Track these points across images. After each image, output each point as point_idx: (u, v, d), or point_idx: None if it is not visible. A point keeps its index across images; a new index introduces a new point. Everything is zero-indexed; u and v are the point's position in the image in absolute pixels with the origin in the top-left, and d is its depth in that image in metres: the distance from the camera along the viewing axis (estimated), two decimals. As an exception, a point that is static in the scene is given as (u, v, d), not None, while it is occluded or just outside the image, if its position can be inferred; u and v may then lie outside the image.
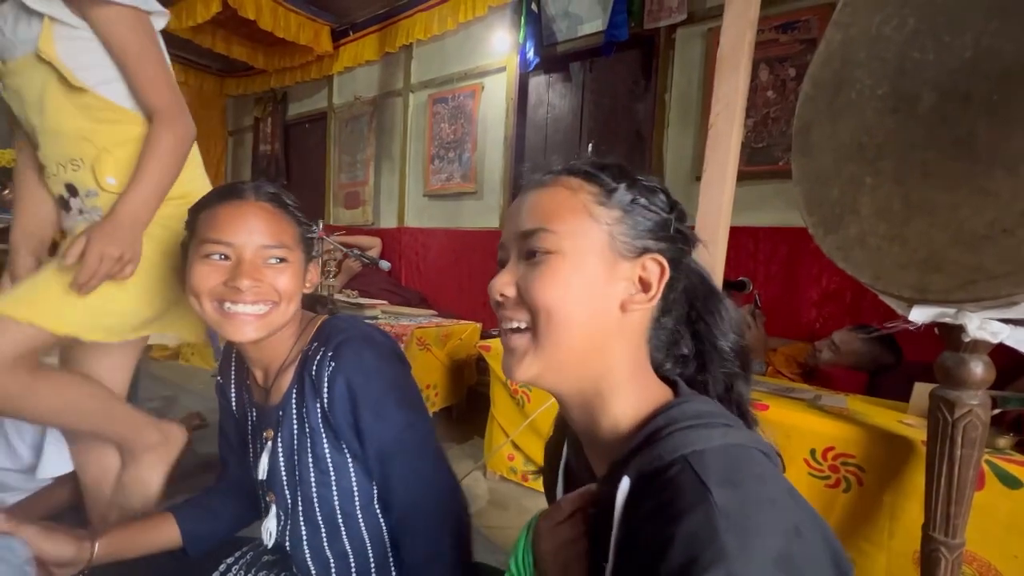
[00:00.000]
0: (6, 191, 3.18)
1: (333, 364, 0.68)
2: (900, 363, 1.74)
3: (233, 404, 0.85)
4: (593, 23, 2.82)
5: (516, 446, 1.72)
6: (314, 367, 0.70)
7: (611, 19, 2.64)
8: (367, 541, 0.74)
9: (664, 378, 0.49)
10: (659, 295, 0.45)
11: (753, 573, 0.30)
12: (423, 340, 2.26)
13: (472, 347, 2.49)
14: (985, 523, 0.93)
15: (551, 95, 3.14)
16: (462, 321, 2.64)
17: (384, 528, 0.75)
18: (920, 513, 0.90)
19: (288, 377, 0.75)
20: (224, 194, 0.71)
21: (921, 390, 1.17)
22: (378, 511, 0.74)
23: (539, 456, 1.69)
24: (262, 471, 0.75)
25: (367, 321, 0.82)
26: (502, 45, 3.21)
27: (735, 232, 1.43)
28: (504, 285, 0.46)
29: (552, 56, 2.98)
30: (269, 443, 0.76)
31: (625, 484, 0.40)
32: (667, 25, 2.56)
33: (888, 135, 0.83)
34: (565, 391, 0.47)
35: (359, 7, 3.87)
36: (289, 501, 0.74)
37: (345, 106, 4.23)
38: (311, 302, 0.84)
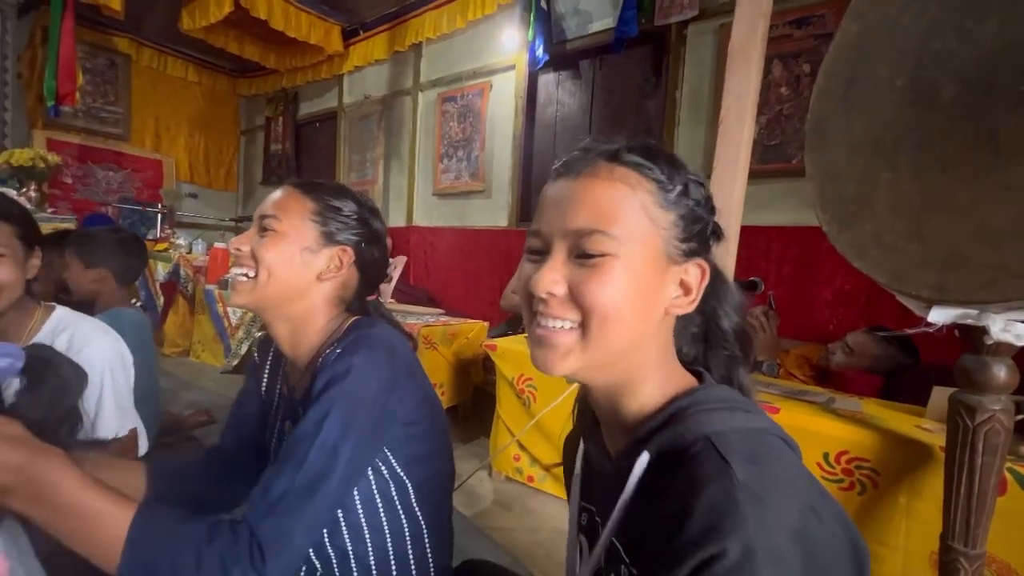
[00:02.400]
0: (24, 190, 3.24)
1: (333, 363, 0.67)
2: (917, 365, 1.69)
3: (263, 387, 0.85)
4: (603, 20, 2.79)
5: (522, 446, 1.70)
6: (323, 362, 0.69)
7: (621, 15, 2.60)
8: (367, 538, 0.73)
9: (688, 368, 0.49)
10: (699, 298, 0.45)
11: (770, 544, 0.32)
12: (430, 339, 2.25)
13: (479, 346, 2.48)
14: (1007, 527, 0.90)
15: (560, 93, 3.12)
16: (469, 320, 2.63)
17: (386, 525, 0.74)
18: (937, 514, 0.87)
19: (310, 374, 0.74)
20: None
21: (940, 394, 1.13)
22: (380, 507, 0.73)
23: (545, 456, 1.68)
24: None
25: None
26: (511, 43, 3.19)
27: (747, 231, 1.40)
28: (553, 283, 0.42)
29: (561, 53, 2.95)
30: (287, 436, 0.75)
31: (644, 458, 0.42)
32: (678, 21, 2.52)
33: (906, 128, 0.80)
34: (597, 382, 0.46)
35: (369, 6, 3.88)
36: None
37: (355, 105, 4.25)
38: (359, 302, 0.82)
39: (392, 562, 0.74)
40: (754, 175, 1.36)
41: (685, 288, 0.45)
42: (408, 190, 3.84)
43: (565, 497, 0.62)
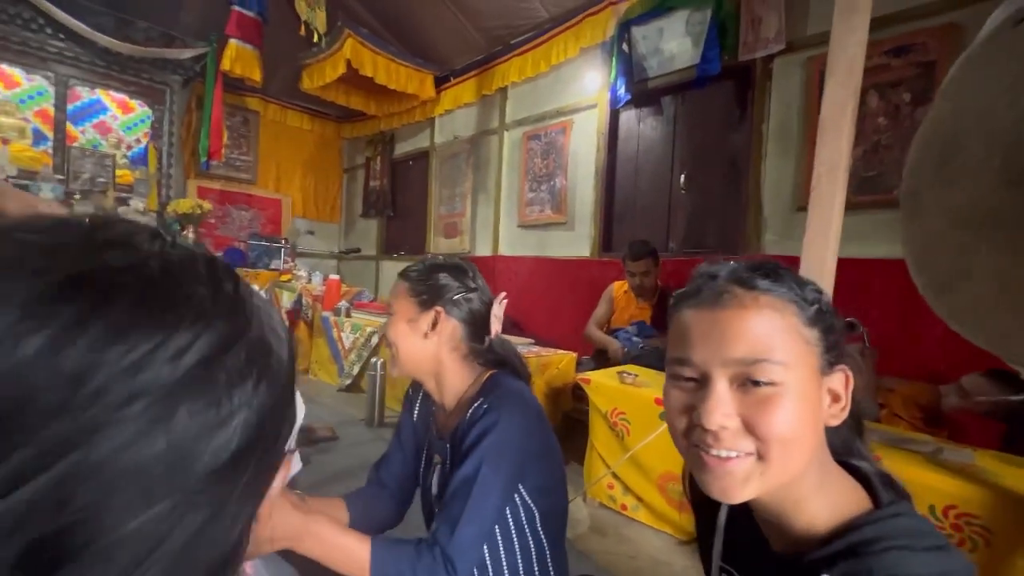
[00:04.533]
0: (184, 232, 3.93)
1: (482, 417, 0.86)
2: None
3: (414, 417, 1.06)
4: (684, 58, 2.87)
5: (616, 476, 1.81)
6: (472, 415, 0.88)
7: (704, 54, 2.68)
8: (502, 556, 0.90)
9: (844, 464, 0.49)
10: (849, 404, 0.46)
11: None
12: (522, 367, 2.44)
13: (568, 376, 2.62)
14: None
15: (642, 128, 3.23)
16: (559, 351, 2.79)
17: (516, 544, 0.91)
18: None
19: (456, 419, 0.94)
20: None
21: (1062, 452, 1.10)
22: (512, 529, 0.90)
23: (638, 487, 1.77)
24: (434, 487, 0.95)
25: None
26: (593, 84, 3.36)
27: (844, 264, 1.38)
28: (725, 417, 0.44)
29: (643, 91, 3.07)
30: (438, 467, 0.95)
31: None
32: (764, 56, 2.55)
33: (1002, 202, 0.85)
34: (766, 500, 0.47)
35: (458, 55, 4.26)
36: None
37: (445, 144, 4.63)
38: (479, 346, 0.98)
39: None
40: (851, 207, 1.37)
41: (834, 396, 0.46)
42: (494, 222, 4.11)
43: (657, 526, 0.65)
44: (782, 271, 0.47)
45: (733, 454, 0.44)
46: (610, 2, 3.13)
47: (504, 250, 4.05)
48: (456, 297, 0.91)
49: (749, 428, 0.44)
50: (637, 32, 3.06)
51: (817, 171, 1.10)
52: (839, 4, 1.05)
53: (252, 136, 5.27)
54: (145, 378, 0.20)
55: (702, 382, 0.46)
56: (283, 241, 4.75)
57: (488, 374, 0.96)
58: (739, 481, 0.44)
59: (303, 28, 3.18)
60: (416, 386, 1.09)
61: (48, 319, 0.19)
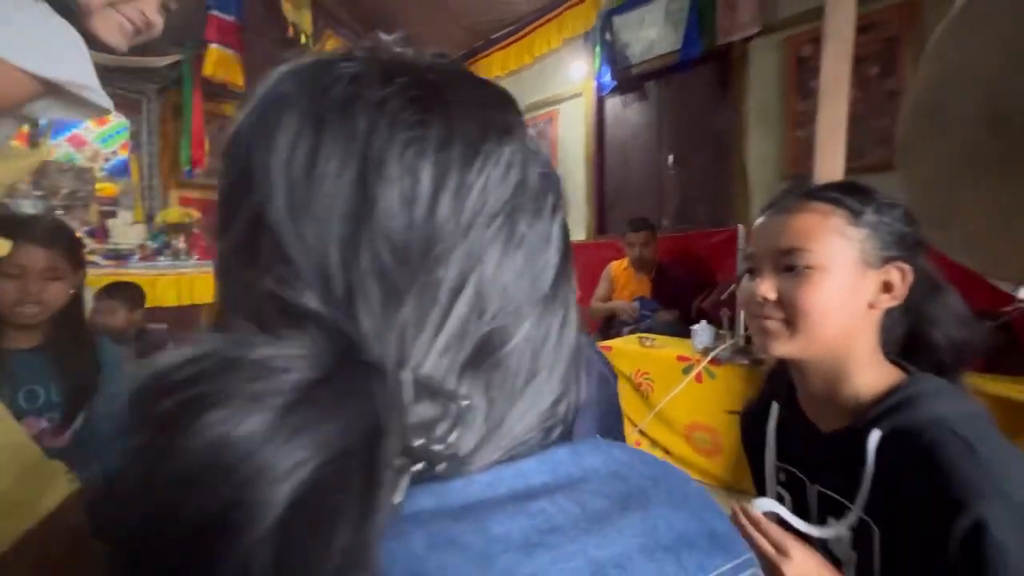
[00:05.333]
0: (175, 242, 3.87)
1: None
2: (1014, 344, 1.79)
3: None
4: (666, 44, 3.02)
5: (643, 433, 1.95)
6: None
7: (684, 39, 2.84)
8: None
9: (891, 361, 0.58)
10: (902, 296, 0.55)
11: (1022, 503, 0.43)
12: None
13: (578, 350, 2.74)
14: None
15: (628, 113, 3.37)
16: (566, 328, 2.90)
17: None
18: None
19: None
20: None
21: (1040, 362, 1.27)
22: None
23: (666, 441, 1.91)
24: None
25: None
26: (577, 73, 3.48)
27: None
28: (767, 290, 0.57)
29: (627, 78, 3.21)
30: None
31: (876, 435, 0.52)
32: (740, 38, 2.72)
33: (988, 147, 1.00)
34: (810, 362, 0.58)
35: (438, 51, 4.32)
36: None
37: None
38: None
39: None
40: None
41: (887, 287, 0.55)
42: (487, 213, 4.20)
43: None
44: (855, 186, 0.58)
45: (771, 322, 0.57)
46: (590, -7, 3.26)
47: (499, 240, 4.14)
48: None
49: (782, 301, 0.56)
50: (619, 21, 3.19)
51: (820, 134, 1.24)
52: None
53: (231, 143, 5.19)
54: (496, 198, 0.22)
55: (759, 270, 0.60)
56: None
57: None
58: (772, 338, 0.57)
59: (292, 30, 3.18)
60: None
61: (446, 170, 0.21)
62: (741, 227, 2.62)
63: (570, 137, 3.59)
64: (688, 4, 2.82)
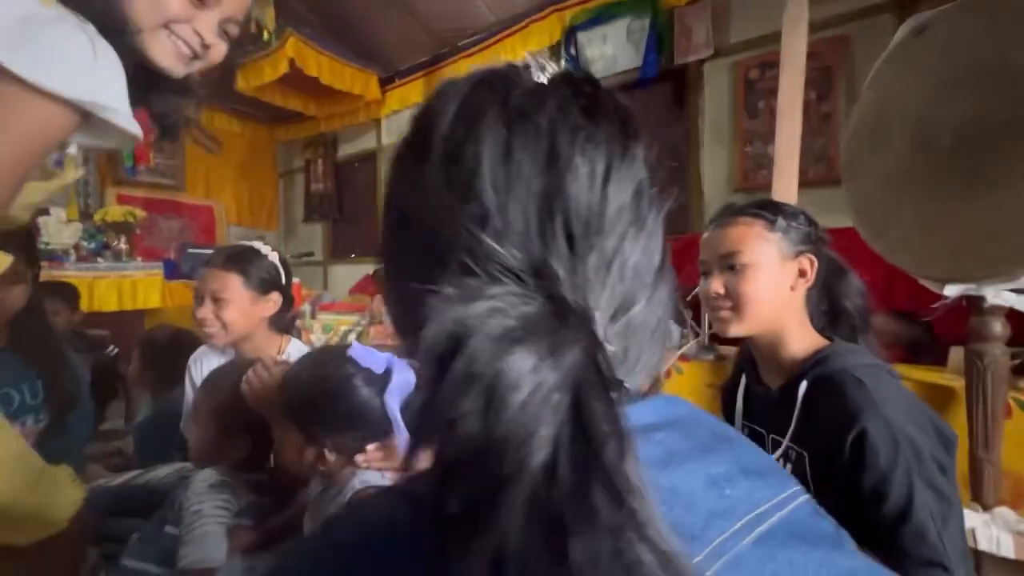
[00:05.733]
0: (116, 243, 3.61)
1: None
2: (931, 340, 2.05)
3: None
4: (627, 61, 3.20)
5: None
6: None
7: (644, 58, 3.02)
8: None
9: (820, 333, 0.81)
10: (813, 279, 0.78)
11: (895, 417, 0.63)
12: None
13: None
14: (1015, 445, 1.24)
15: (591, 125, 3.52)
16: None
17: None
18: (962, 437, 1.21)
19: None
20: None
21: (956, 352, 1.48)
22: None
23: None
24: None
25: None
26: (543, 84, 3.60)
27: None
28: (717, 287, 0.80)
29: (591, 91, 3.36)
30: None
31: (804, 385, 0.73)
32: (695, 60, 2.93)
33: (918, 166, 1.17)
34: (756, 337, 0.81)
35: (404, 56, 4.32)
36: None
37: (393, 146, 4.65)
38: None
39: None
40: (766, 188, 1.70)
41: (801, 273, 0.77)
42: (451, 218, 4.21)
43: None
44: (768, 203, 0.81)
45: (723, 311, 0.79)
46: (555, 8, 3.39)
47: (464, 245, 4.17)
48: None
49: (729, 293, 0.78)
50: (583, 37, 3.35)
51: (778, 150, 1.39)
52: (787, 18, 1.35)
53: (178, 140, 4.91)
54: (637, 184, 0.27)
55: (708, 271, 0.82)
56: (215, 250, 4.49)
57: None
58: (725, 323, 0.79)
59: (254, 25, 3.09)
60: None
61: (624, 164, 0.27)
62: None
63: (535, 146, 3.69)
64: (648, 25, 3.01)
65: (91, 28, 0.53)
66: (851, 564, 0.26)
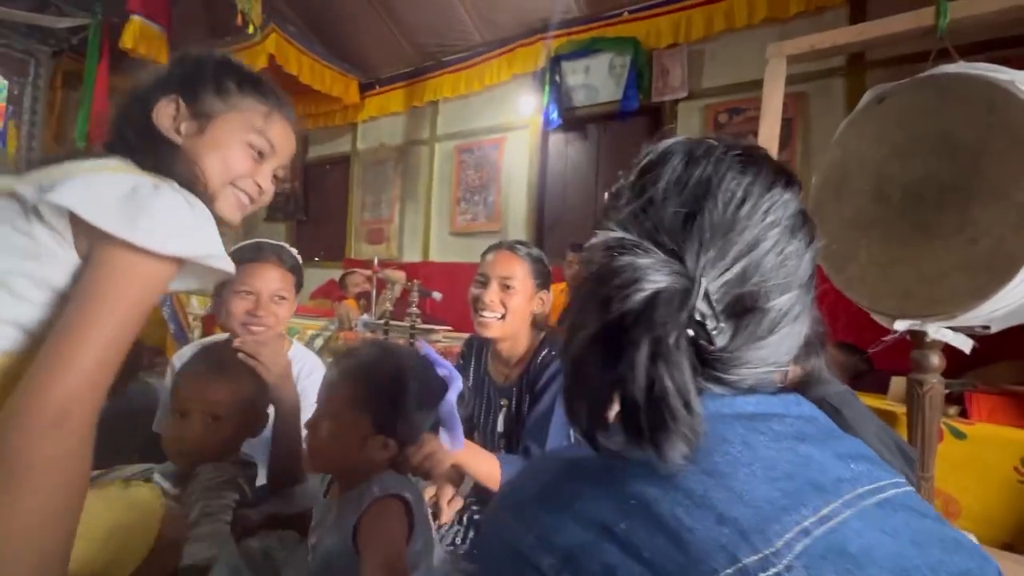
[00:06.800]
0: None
1: (551, 367, 1.10)
2: (872, 371, 2.27)
3: (481, 369, 1.26)
4: (608, 93, 3.38)
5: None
6: (542, 361, 1.11)
7: (624, 93, 3.21)
8: None
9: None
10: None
11: (867, 439, 0.73)
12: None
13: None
14: (944, 466, 1.41)
15: (570, 151, 3.67)
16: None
17: None
18: (905, 458, 1.37)
19: (519, 370, 1.15)
20: None
21: (897, 381, 1.66)
22: None
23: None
24: (500, 426, 1.14)
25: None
26: (526, 107, 3.72)
27: None
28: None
29: (571, 117, 3.51)
30: (504, 409, 1.15)
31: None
32: (671, 99, 3.14)
33: (875, 215, 1.33)
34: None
35: (385, 64, 4.33)
36: (516, 445, 1.13)
37: (370, 151, 4.62)
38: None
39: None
40: None
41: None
42: (424, 229, 4.22)
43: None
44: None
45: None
46: (541, 37, 3.54)
47: (435, 256, 4.18)
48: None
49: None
50: (567, 66, 3.50)
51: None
52: (768, 71, 1.51)
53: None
54: (777, 216, 0.36)
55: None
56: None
57: (541, 334, 1.20)
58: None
59: (240, 18, 3.03)
60: (474, 345, 1.28)
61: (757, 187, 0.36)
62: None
63: (516, 164, 3.80)
64: (629, 62, 3.21)
65: (188, 193, 0.58)
66: (956, 535, 0.32)
